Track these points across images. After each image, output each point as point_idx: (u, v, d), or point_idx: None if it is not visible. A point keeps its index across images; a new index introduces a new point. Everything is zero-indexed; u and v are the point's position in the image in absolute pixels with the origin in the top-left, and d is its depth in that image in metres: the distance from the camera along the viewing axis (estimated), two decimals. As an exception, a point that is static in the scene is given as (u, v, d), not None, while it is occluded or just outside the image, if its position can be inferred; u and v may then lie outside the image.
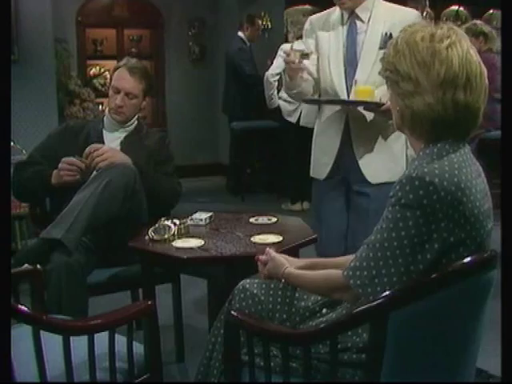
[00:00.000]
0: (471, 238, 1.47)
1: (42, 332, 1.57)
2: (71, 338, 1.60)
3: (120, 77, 2.84)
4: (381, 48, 2.50)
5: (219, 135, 7.54)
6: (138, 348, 1.83)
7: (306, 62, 2.52)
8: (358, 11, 2.57)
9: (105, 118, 2.92)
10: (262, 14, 7.11)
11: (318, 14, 2.76)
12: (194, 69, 7.62)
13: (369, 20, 2.57)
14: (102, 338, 1.65)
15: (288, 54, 2.48)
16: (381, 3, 2.62)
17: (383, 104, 2.39)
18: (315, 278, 1.71)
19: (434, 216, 1.43)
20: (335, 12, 2.65)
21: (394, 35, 2.39)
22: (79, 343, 1.61)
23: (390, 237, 1.46)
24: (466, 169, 1.49)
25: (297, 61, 2.47)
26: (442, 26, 1.53)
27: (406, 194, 1.44)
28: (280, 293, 1.86)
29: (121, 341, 1.73)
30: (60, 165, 2.63)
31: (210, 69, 7.48)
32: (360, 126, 2.58)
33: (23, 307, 1.57)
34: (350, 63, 2.58)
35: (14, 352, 1.43)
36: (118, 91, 2.82)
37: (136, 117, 2.94)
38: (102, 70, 7.15)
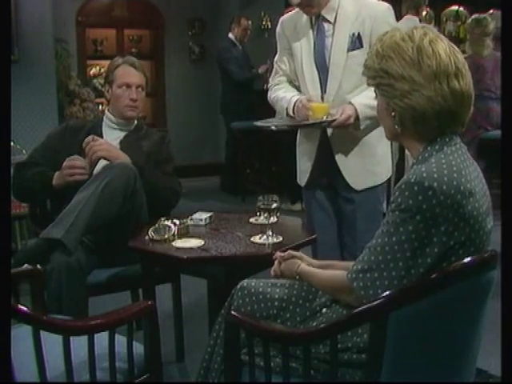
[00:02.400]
0: (471, 240, 1.47)
1: (42, 332, 1.57)
2: (71, 338, 1.60)
3: (127, 73, 2.87)
4: (349, 50, 2.44)
5: (219, 135, 7.53)
6: (138, 348, 1.82)
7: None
8: (323, 13, 2.47)
9: (104, 118, 2.93)
10: (262, 14, 7.12)
11: (289, 15, 2.64)
12: (194, 69, 7.62)
13: (335, 21, 2.46)
14: (101, 338, 1.65)
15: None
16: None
17: (334, 120, 2.38)
18: (322, 278, 1.74)
19: (434, 220, 1.43)
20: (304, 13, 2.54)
21: (365, 33, 2.41)
22: (79, 343, 1.61)
23: (390, 241, 1.47)
24: (465, 170, 1.49)
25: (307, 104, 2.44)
26: (416, 27, 1.57)
27: (406, 200, 1.44)
28: (291, 290, 1.86)
29: (121, 341, 1.73)
30: (66, 163, 2.65)
31: (209, 69, 7.48)
32: (337, 130, 2.49)
33: (23, 307, 1.56)
34: (322, 68, 2.50)
35: (13, 352, 1.43)
36: (129, 86, 2.85)
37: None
38: (102, 70, 7.14)
